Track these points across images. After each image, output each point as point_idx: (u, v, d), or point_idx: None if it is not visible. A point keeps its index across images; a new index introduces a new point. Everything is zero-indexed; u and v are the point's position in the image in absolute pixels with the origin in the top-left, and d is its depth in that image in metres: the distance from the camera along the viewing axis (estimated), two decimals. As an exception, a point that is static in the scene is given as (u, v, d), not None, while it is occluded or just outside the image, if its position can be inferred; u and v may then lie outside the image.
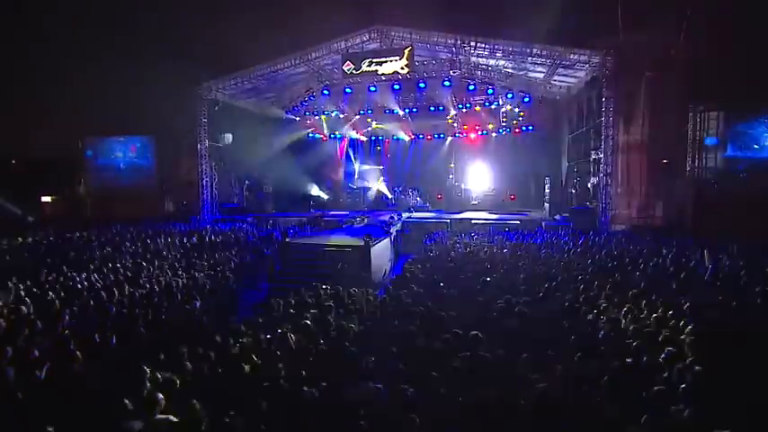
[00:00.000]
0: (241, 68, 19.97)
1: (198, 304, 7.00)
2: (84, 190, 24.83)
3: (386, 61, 18.11)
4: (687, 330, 5.79)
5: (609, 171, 17.37)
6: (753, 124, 17.17)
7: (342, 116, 24.06)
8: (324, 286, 8.72)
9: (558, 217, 19.30)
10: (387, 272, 13.58)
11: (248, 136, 23.85)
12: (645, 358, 5.00)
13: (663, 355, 4.98)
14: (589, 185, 20.23)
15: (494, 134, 25.77)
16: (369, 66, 18.30)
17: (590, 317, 6.68)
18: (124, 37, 21.04)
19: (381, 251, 13.24)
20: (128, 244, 13.04)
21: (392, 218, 16.86)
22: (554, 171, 23.57)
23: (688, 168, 17.93)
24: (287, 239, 12.84)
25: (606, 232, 16.55)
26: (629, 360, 4.94)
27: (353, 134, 26.71)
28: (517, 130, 24.75)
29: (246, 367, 4.89)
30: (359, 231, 15.16)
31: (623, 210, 17.86)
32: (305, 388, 4.32)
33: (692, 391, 4.11)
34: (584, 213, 18.40)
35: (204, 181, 21.59)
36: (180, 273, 9.69)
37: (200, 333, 6.13)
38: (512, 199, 24.78)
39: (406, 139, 27.19)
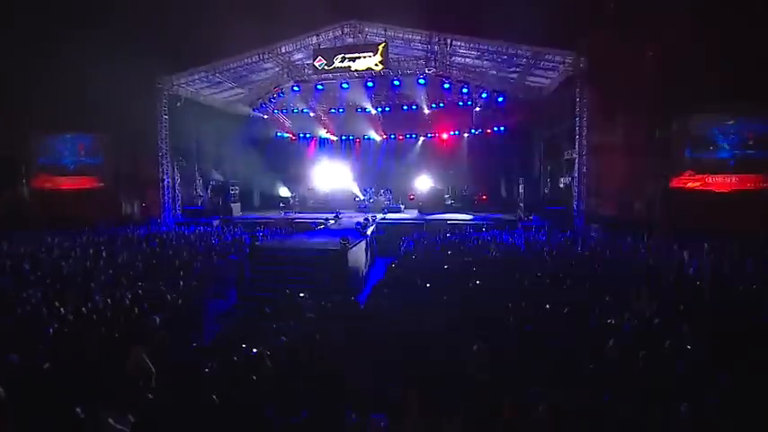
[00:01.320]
0: (205, 62, 18.76)
1: (158, 319, 6.10)
2: (26, 190, 22.72)
3: (359, 57, 17.44)
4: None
5: (584, 171, 17.36)
6: (710, 127, 17.63)
7: (312, 114, 23.18)
8: (301, 294, 7.97)
9: (532, 217, 19.19)
10: (363, 275, 12.93)
11: (214, 134, 22.63)
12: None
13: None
14: (562, 185, 20.28)
15: (465, 134, 25.64)
16: (341, 61, 17.57)
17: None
18: (75, 26, 19.35)
19: (358, 254, 12.56)
20: (76, 250, 11.74)
21: (366, 219, 16.17)
22: (526, 171, 23.56)
23: (657, 168, 18.23)
24: (256, 243, 11.94)
25: (581, 232, 16.52)
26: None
27: (324, 133, 25.85)
28: (489, 131, 24.68)
29: (217, 398, 4.12)
30: (333, 234, 14.42)
31: (597, 209, 17.93)
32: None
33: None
34: (560, 213, 18.35)
35: (165, 181, 20.21)
36: (138, 282, 8.67)
37: (160, 354, 5.28)
38: (483, 200, 24.60)
39: (378, 139, 26.58)
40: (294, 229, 16.64)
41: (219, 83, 20.76)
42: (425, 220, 19.00)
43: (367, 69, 17.47)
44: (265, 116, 23.01)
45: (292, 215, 21.05)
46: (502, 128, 24.05)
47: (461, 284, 8.66)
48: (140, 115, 19.01)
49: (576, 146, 17.60)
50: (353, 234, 13.65)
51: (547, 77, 19.68)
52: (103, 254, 11.08)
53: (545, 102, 21.47)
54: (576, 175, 17.59)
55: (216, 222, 19.44)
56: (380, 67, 17.32)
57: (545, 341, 5.45)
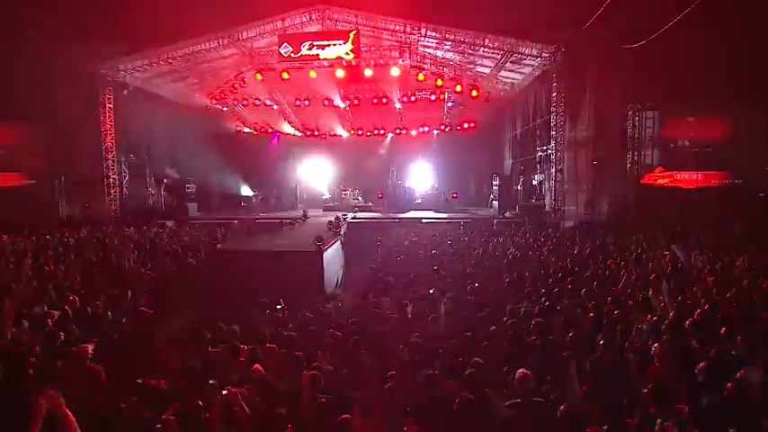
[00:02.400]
0: (155, 45, 16.75)
1: (90, 348, 4.59)
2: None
3: (329, 45, 16.08)
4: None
5: (559, 167, 16.87)
6: (679, 125, 17.69)
7: (276, 107, 21.52)
8: (279, 305, 6.63)
9: (507, 214, 18.56)
10: (339, 280, 11.64)
11: (168, 128, 20.49)
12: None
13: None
14: (535, 182, 19.80)
15: (435, 131, 24.82)
16: (309, 49, 16.15)
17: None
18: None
19: (333, 256, 11.27)
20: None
21: (338, 218, 14.88)
22: (496, 169, 23.06)
23: (628, 165, 18.09)
24: (218, 246, 10.38)
25: (557, 228, 15.97)
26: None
27: (289, 128, 24.21)
28: (459, 128, 23.97)
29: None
30: (302, 234, 13.04)
31: (571, 206, 17.51)
32: None
33: None
34: (534, 210, 17.80)
35: (111, 179, 17.98)
36: (71, 298, 6.96)
37: (89, 400, 3.83)
38: (454, 197, 23.88)
39: (346, 135, 25.25)
40: (258, 230, 15.05)
41: (174, 71, 18.74)
42: (399, 219, 17.91)
43: (337, 58, 16.15)
44: (225, 108, 21.16)
45: (255, 215, 19.35)
46: (472, 124, 23.43)
47: (460, 288, 7.60)
48: (80, 104, 16.68)
49: (552, 142, 17.09)
50: (326, 234, 12.34)
51: (520, 73, 19.11)
52: (29, 261, 9.16)
53: (516, 98, 21.00)
54: (552, 171, 17.09)
55: (170, 224, 17.43)
56: (351, 56, 16.05)
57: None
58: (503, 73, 19.42)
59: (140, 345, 5.41)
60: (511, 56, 17.04)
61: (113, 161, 18.05)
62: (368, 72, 16.50)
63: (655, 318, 5.83)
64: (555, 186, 17.14)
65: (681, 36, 15.69)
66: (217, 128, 21.81)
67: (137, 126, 18.87)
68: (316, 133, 25.24)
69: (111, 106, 17.45)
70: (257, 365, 4.48)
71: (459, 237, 13.67)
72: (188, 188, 20.12)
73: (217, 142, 21.73)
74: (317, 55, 16.16)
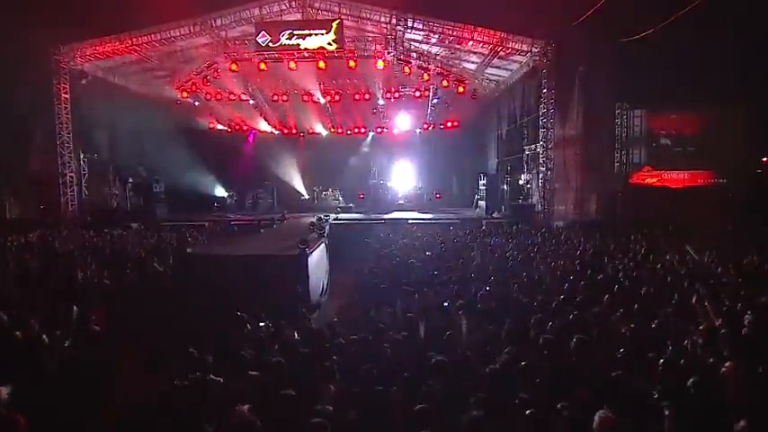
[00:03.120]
0: (118, 30, 15.18)
1: (4, 392, 3.33)
2: None
3: (310, 35, 14.93)
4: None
5: (550, 166, 16.25)
6: (668, 123, 17.45)
7: (252, 102, 20.15)
8: (261, 323, 5.49)
9: (495, 214, 17.83)
10: (325, 287, 10.51)
11: (134, 122, 18.80)
12: None
13: None
14: (521, 182, 19.19)
15: (417, 130, 23.98)
16: (289, 38, 14.95)
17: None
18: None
19: (318, 261, 10.11)
20: None
21: (320, 219, 13.73)
22: (479, 168, 22.38)
23: (617, 164, 17.68)
24: (188, 250, 9.07)
25: (549, 228, 15.31)
26: None
27: (265, 125, 22.83)
28: (442, 126, 23.21)
29: None
30: (282, 236, 11.83)
31: (560, 205, 16.93)
32: None
33: None
34: (524, 210, 17.13)
35: (67, 177, 16.22)
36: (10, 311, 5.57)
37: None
38: (437, 198, 23.07)
39: (325, 133, 24.06)
40: (233, 232, 13.69)
41: (142, 61, 17.13)
42: (384, 220, 16.87)
43: (319, 49, 15.01)
44: (197, 102, 19.62)
45: (229, 217, 17.92)
46: (455, 122, 22.71)
47: (467, 295, 6.66)
48: (31, 93, 14.88)
49: (541, 140, 16.47)
50: (309, 236, 11.18)
51: (507, 69, 18.50)
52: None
53: (502, 96, 20.37)
54: (542, 170, 16.47)
55: (135, 227, 15.81)
56: (334, 46, 14.95)
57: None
58: (489, 70, 18.77)
59: (85, 379, 4.18)
60: (499, 51, 16.33)
61: (70, 158, 16.29)
62: (351, 64, 15.39)
63: (703, 328, 5.04)
64: (544, 185, 16.53)
65: (669, 34, 15.38)
66: (188, 124, 20.25)
67: (98, 120, 17.15)
68: (294, 131, 24.00)
69: (68, 96, 15.71)
70: (240, 409, 3.35)
71: (450, 238, 12.75)
72: (156, 188, 18.48)
73: (188, 139, 20.15)
74: (298, 45, 14.99)
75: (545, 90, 15.91)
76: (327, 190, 22.33)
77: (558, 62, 15.69)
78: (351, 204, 21.82)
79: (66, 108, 15.77)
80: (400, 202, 22.05)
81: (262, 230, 13.09)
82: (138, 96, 18.73)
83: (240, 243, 10.69)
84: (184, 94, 18.13)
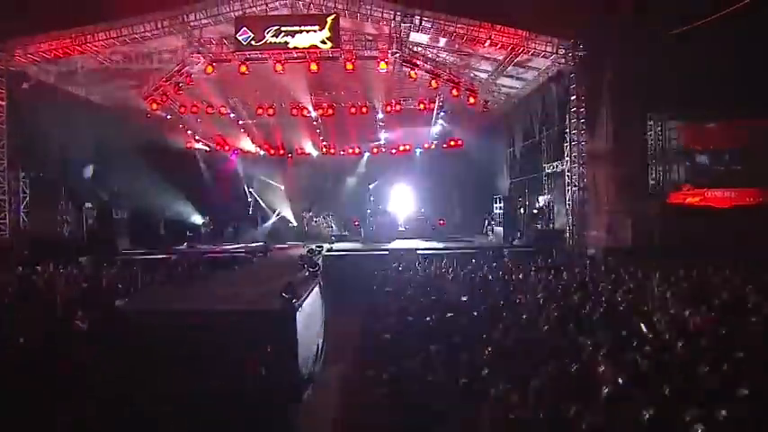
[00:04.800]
0: (66, 26, 12.38)
1: None
2: None
3: (300, 31, 12.34)
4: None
5: (581, 185, 13.64)
6: (709, 134, 15.09)
7: (233, 116, 17.35)
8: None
9: (516, 242, 15.05)
10: (319, 350, 7.46)
11: (93, 137, 15.87)
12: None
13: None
14: (540, 204, 16.55)
15: (418, 149, 21.47)
16: (275, 36, 12.33)
17: None
18: None
19: (311, 313, 7.05)
20: None
21: (312, 251, 10.76)
22: (488, 191, 19.80)
23: (651, 182, 15.18)
24: (118, 303, 5.96)
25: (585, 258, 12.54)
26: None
27: (249, 144, 20.01)
28: (445, 145, 20.73)
29: None
30: (263, 276, 8.79)
31: (592, 230, 14.23)
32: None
33: None
34: (550, 236, 14.38)
35: (1, 200, 13.03)
36: None
37: None
38: (441, 224, 20.29)
39: (316, 153, 21.34)
40: (202, 269, 10.52)
41: (104, 66, 14.30)
42: (387, 250, 13.92)
43: (311, 48, 12.40)
44: (169, 116, 16.77)
45: (203, 248, 14.80)
46: (460, 142, 20.26)
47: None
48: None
49: (569, 155, 13.93)
50: (298, 277, 8.18)
51: (521, 80, 16.16)
52: None
53: (514, 110, 17.98)
54: (572, 189, 13.84)
55: (85, 261, 12.60)
56: (329, 45, 12.35)
57: None
58: (501, 80, 16.41)
59: None
60: (518, 55, 13.95)
61: (8, 177, 13.15)
62: (349, 66, 12.77)
63: None
64: (574, 208, 13.88)
65: (710, 35, 13.26)
66: (160, 141, 17.30)
67: (46, 133, 14.11)
68: (281, 151, 21.24)
69: (3, 103, 12.71)
70: None
71: (475, 271, 9.82)
72: (116, 214, 15.32)
73: (160, 159, 17.20)
74: (286, 43, 12.36)
75: (573, 98, 13.48)
76: (318, 216, 19.41)
77: (587, 66, 13.33)
78: (346, 232, 18.95)
79: (1, 117, 12.73)
80: (401, 229, 19.23)
81: (237, 267, 10.02)
82: (99, 108, 15.84)
83: (202, 288, 7.59)
84: (154, 106, 15.21)
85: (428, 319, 5.76)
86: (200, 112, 16.61)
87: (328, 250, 13.74)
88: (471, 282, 8.37)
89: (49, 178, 14.72)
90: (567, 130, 14.08)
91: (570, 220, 14.05)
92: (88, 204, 15.91)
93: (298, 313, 5.86)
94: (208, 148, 19.94)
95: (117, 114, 16.24)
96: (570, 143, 14.04)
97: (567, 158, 14.29)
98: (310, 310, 7.10)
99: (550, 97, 14.96)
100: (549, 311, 5.78)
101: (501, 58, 14.53)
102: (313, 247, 11.76)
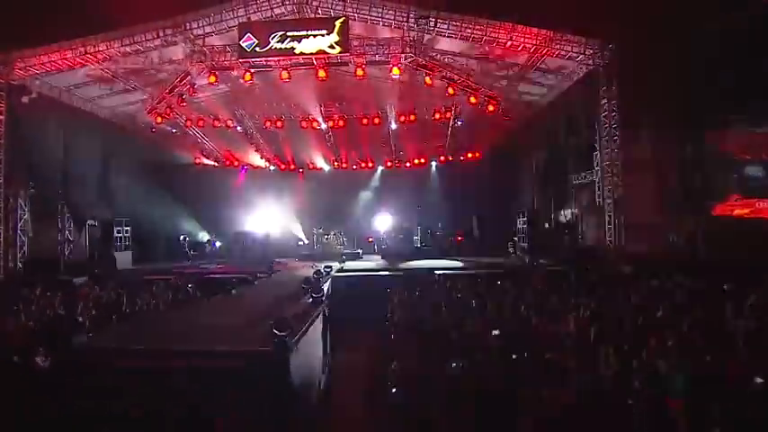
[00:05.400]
0: (67, 36, 11.80)
1: None
2: None
3: (307, 36, 11.51)
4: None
5: (615, 196, 12.29)
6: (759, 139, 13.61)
7: (239, 129, 16.59)
8: None
9: (543, 260, 13.68)
10: (321, 388, 6.32)
11: (97, 152, 15.34)
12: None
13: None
14: (568, 218, 15.20)
15: (434, 162, 20.40)
16: (281, 41, 11.51)
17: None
18: None
19: (310, 350, 5.94)
20: None
21: (319, 273, 9.67)
22: (508, 205, 18.54)
23: (692, 193, 13.70)
24: (75, 341, 4.87)
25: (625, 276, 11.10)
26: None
27: (258, 159, 19.24)
28: (462, 158, 19.64)
29: None
30: (260, 303, 7.71)
31: (628, 246, 12.78)
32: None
33: None
34: (583, 254, 12.98)
35: (-4, 218, 12.38)
36: None
37: None
38: (458, 241, 19.00)
39: (328, 168, 20.48)
40: (197, 292, 9.49)
41: (107, 79, 13.74)
42: (402, 270, 12.72)
43: (318, 53, 11.53)
44: (174, 130, 16.12)
45: (206, 268, 13.85)
46: (478, 154, 19.15)
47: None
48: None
49: (603, 164, 12.63)
50: (299, 301, 7.09)
51: (544, 84, 14.99)
52: None
53: (537, 118, 16.77)
54: (606, 202, 12.49)
55: (79, 281, 11.77)
56: (337, 50, 11.46)
57: None
58: (522, 87, 15.28)
59: None
60: (540, 58, 12.84)
61: (5, 194, 12.50)
62: (359, 72, 11.84)
63: None
64: (607, 222, 12.50)
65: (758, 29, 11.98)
66: (166, 157, 16.63)
67: (47, 148, 13.54)
68: (292, 166, 20.46)
69: (2, 118, 12.13)
70: None
71: (505, 299, 8.53)
72: (118, 232, 14.55)
73: (166, 175, 16.57)
74: (292, 49, 11.52)
75: (604, 102, 12.24)
76: (329, 233, 18.35)
77: (619, 67, 12.14)
78: (358, 250, 17.80)
79: (-1, 131, 12.16)
80: (417, 246, 18.03)
81: (234, 291, 8.96)
82: (103, 122, 15.26)
83: (183, 318, 6.53)
84: (158, 120, 14.55)
85: (453, 365, 4.50)
86: (207, 126, 15.89)
87: (338, 270, 12.64)
88: (499, 310, 7.09)
89: (49, 195, 14.05)
90: (597, 138, 12.80)
91: (604, 236, 12.66)
92: (91, 222, 15.21)
93: (292, 355, 4.73)
94: (216, 164, 19.22)
95: (121, 129, 15.64)
96: (601, 152, 12.75)
97: (598, 168, 12.99)
98: (310, 344, 5.97)
99: (577, 103, 13.77)
100: (608, 354, 4.50)
101: (522, 62, 13.46)
102: (320, 267, 10.66)
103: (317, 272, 9.89)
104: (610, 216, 12.23)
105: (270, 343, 4.55)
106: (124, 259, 14.66)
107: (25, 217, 13.25)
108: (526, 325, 6.30)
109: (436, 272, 12.23)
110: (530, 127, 17.29)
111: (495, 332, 5.62)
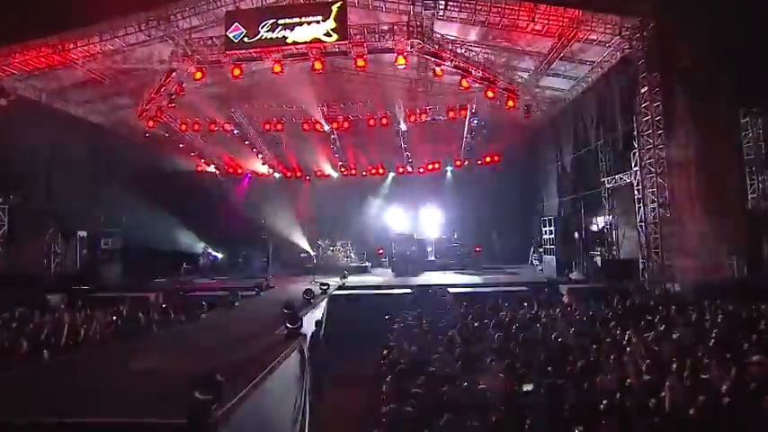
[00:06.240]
0: (43, 33, 10.75)
1: None
2: None
3: (301, 23, 10.14)
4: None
5: (660, 200, 10.39)
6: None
7: (236, 132, 15.33)
8: None
9: (574, 275, 11.80)
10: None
11: (87, 160, 14.33)
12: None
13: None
14: (600, 226, 13.28)
15: (449, 168, 18.74)
16: (271, 30, 10.18)
17: None
18: None
19: (268, 408, 4.33)
20: None
21: (310, 293, 8.13)
22: (530, 212, 16.75)
23: (751, 196, 11.62)
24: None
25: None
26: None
27: (261, 166, 17.99)
28: (480, 162, 17.93)
29: None
30: (226, 335, 6.20)
31: (679, 260, 10.78)
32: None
33: None
34: (620, 268, 11.06)
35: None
36: None
37: None
38: (477, 252, 17.23)
39: (336, 174, 19.07)
40: (158, 317, 7.97)
41: (95, 81, 12.75)
42: (412, 288, 11.01)
43: (313, 41, 10.14)
44: (166, 134, 15.00)
45: (197, 283, 12.51)
46: (497, 157, 17.44)
47: None
48: None
49: (636, 164, 10.78)
50: (274, 337, 5.54)
51: (570, 77, 13.28)
52: None
53: (561, 116, 15.01)
54: (649, 207, 10.61)
55: (53, 299, 10.56)
56: (334, 37, 10.04)
57: None
58: (545, 81, 13.58)
59: None
60: (566, 44, 11.14)
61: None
62: (360, 63, 10.38)
63: None
64: (649, 230, 10.58)
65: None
66: (159, 163, 15.49)
67: (29, 154, 12.53)
68: (299, 173, 19.16)
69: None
70: None
71: (534, 328, 6.77)
72: (105, 244, 13.39)
73: (158, 183, 15.43)
74: (284, 39, 10.17)
75: (644, 90, 10.42)
76: (336, 245, 16.84)
77: (660, 51, 10.32)
78: (367, 263, 16.27)
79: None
80: (431, 258, 16.37)
81: (203, 316, 7.47)
82: (95, 127, 14.27)
83: (105, 359, 5.03)
84: (150, 124, 13.41)
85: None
86: (202, 130, 14.71)
87: (340, 287, 11.08)
88: (528, 348, 5.34)
89: (33, 205, 13.00)
90: (636, 133, 10.96)
91: (644, 248, 10.73)
92: (82, 233, 14.11)
93: (219, 429, 3.14)
94: (216, 171, 18.06)
95: (115, 135, 14.62)
96: (639, 149, 10.90)
97: (636, 168, 11.12)
98: (270, 397, 4.36)
99: (611, 95, 11.96)
100: None
101: (545, 50, 11.80)
102: (312, 286, 9.11)
103: (307, 292, 8.36)
104: (653, 224, 10.30)
105: (190, 415, 2.99)
106: (111, 273, 13.46)
107: (5, 228, 12.19)
108: (564, 369, 4.54)
109: (450, 290, 10.52)
110: (554, 125, 15.53)
111: (527, 387, 3.90)
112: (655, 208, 10.44)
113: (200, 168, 18.07)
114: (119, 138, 14.60)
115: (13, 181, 12.45)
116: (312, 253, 17.34)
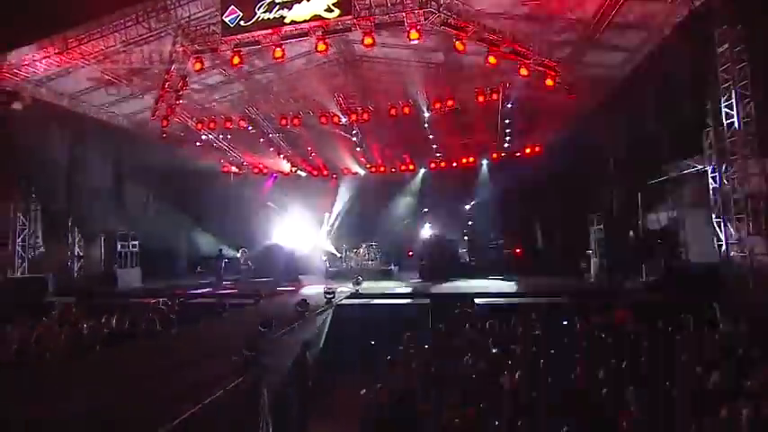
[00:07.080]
0: (47, 32, 10.38)
1: None
2: None
3: (299, 0, 8.97)
4: None
5: (748, 190, 8.14)
6: None
7: (251, 129, 14.50)
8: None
9: (630, 284, 9.70)
10: None
11: (108, 163, 14.14)
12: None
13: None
14: (663, 224, 11.00)
15: (485, 161, 16.95)
16: (268, 10, 9.09)
17: None
18: None
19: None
20: None
21: (304, 304, 6.91)
22: (578, 208, 14.49)
23: None
24: None
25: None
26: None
27: (284, 163, 17.16)
28: (519, 154, 15.98)
29: None
30: (178, 357, 5.10)
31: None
32: None
33: None
34: (692, 275, 8.86)
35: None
36: None
37: None
38: (517, 254, 15.31)
39: (362, 172, 17.87)
40: (157, 327, 7.03)
41: (111, 82, 12.42)
42: (432, 296, 9.48)
43: (314, 19, 8.92)
44: (182, 133, 14.50)
45: (205, 289, 11.75)
46: (539, 148, 15.41)
47: None
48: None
49: (712, 146, 8.56)
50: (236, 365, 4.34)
51: (623, 48, 11.07)
52: None
53: (613, 94, 12.73)
54: (714, 200, 8.39)
55: (57, 302, 10.21)
56: (336, 12, 8.76)
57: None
58: (591, 55, 11.44)
59: None
60: (618, 4, 9.09)
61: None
62: (368, 41, 9.01)
63: None
64: (730, 228, 8.33)
65: None
66: (178, 164, 15.01)
67: (52, 159, 12.44)
68: (325, 172, 18.23)
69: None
70: None
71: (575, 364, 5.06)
72: (122, 247, 13.03)
73: (186, 185, 15.05)
74: (282, 18, 9.04)
75: (725, 48, 8.19)
76: (360, 246, 15.59)
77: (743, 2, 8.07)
78: (392, 267, 14.87)
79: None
80: (464, 261, 14.71)
81: (173, 331, 6.46)
82: (116, 130, 14.01)
83: (49, 388, 4.06)
84: (164, 123, 12.88)
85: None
86: (218, 128, 14.04)
87: (350, 295, 9.78)
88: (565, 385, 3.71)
89: (55, 208, 12.90)
90: (710, 108, 8.73)
91: (721, 248, 8.49)
92: (104, 236, 13.90)
93: None
94: (239, 170, 17.48)
95: (136, 136, 14.30)
96: (716, 127, 8.66)
97: (711, 151, 8.88)
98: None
99: (673, 64, 9.71)
100: None
101: (589, 17, 9.78)
102: (311, 296, 7.89)
103: (301, 303, 7.14)
104: (739, 219, 8.06)
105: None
106: (130, 277, 13.08)
107: (26, 231, 12.11)
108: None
109: (477, 300, 8.89)
110: (604, 107, 13.23)
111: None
112: (738, 198, 8.18)
113: (225, 170, 17.57)
114: (142, 139, 14.26)
115: (33, 184, 12.37)
116: (337, 255, 16.24)
